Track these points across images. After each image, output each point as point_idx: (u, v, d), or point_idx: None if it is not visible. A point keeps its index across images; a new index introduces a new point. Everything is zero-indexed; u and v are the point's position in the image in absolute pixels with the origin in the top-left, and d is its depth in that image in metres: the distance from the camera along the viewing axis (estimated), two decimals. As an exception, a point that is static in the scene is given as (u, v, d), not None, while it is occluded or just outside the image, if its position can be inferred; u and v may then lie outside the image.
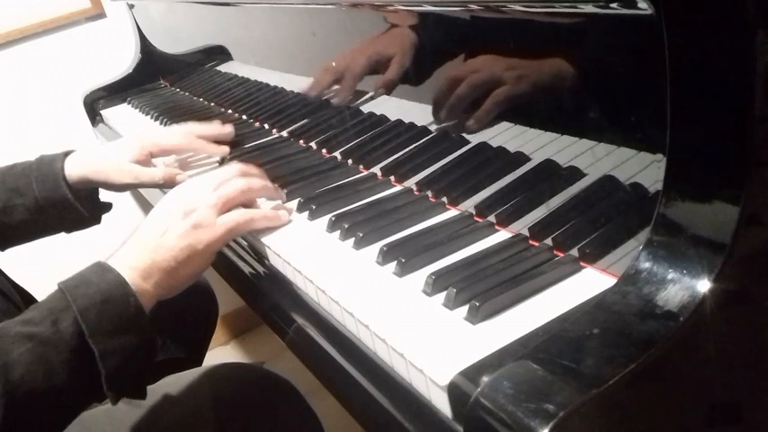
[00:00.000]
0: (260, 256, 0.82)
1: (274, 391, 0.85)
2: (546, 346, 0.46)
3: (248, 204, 0.79)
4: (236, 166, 0.82)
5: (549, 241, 0.62)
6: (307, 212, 0.82)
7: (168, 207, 0.74)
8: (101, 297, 0.63)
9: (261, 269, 0.81)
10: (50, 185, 0.94)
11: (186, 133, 1.05)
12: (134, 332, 0.64)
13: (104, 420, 0.81)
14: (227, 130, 1.08)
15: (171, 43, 1.63)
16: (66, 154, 0.98)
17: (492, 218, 0.69)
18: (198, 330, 1.18)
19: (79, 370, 0.61)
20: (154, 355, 0.68)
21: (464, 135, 0.72)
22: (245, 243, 0.87)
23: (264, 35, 1.11)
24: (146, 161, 1.00)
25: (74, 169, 0.96)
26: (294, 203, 0.85)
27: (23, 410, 0.59)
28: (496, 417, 0.43)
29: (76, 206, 0.95)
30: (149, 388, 0.83)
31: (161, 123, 1.39)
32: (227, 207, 0.74)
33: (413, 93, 0.79)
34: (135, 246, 0.70)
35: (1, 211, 0.93)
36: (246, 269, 0.85)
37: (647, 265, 0.47)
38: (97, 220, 1.02)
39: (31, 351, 0.59)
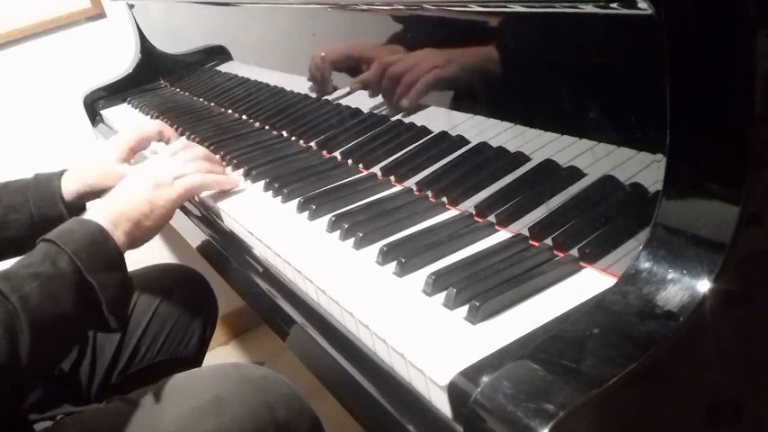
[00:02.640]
0: (260, 257, 0.82)
1: (274, 392, 0.85)
2: (546, 346, 0.46)
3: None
4: (191, 148, 0.97)
5: (549, 241, 0.62)
6: (307, 212, 0.82)
7: (133, 176, 0.87)
8: (86, 241, 0.73)
9: (261, 269, 0.81)
10: (47, 203, 0.97)
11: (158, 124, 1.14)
12: (119, 269, 0.76)
13: (104, 420, 0.81)
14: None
15: (171, 43, 1.63)
16: (62, 173, 1.01)
17: (492, 218, 0.69)
18: (198, 330, 1.18)
19: (82, 300, 0.71)
20: (132, 293, 0.80)
21: (464, 135, 0.73)
22: (245, 243, 0.87)
23: (264, 35, 1.11)
24: (138, 148, 1.08)
25: (69, 186, 1.00)
26: (294, 203, 0.85)
27: (43, 336, 0.67)
28: (496, 417, 0.43)
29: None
30: (150, 389, 0.84)
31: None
32: (184, 174, 0.89)
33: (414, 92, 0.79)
34: (104, 204, 0.82)
35: None
36: (246, 269, 0.85)
37: (647, 265, 0.47)
38: None
39: (41, 286, 0.68)
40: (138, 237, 0.82)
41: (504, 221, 0.67)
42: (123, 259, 0.77)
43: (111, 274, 0.74)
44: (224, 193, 0.95)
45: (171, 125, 1.35)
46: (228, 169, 1.03)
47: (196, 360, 1.19)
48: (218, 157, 1.03)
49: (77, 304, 0.70)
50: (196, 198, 1.02)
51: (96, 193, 1.00)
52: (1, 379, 0.65)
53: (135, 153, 1.08)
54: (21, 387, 0.71)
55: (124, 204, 0.81)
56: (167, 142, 1.14)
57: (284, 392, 0.85)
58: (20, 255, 0.89)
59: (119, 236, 0.77)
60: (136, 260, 1.26)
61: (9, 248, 0.97)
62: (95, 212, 0.79)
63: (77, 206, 1.00)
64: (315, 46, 0.96)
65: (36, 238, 0.83)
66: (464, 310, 0.56)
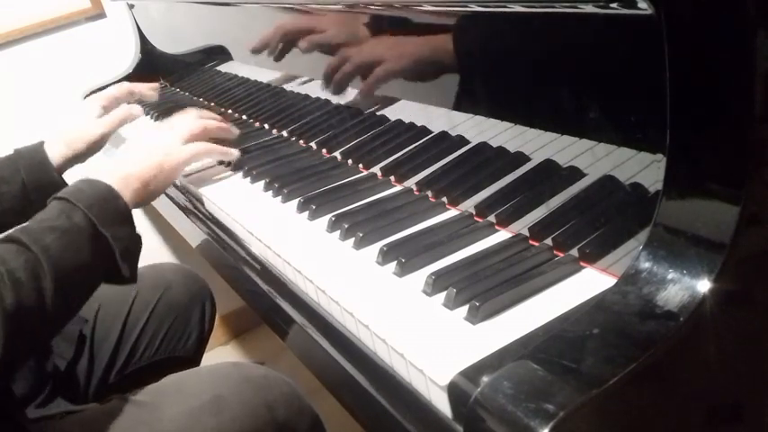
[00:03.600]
0: (260, 256, 0.82)
1: (274, 391, 0.85)
2: (546, 346, 0.46)
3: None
4: (195, 112, 1.01)
5: (549, 241, 0.62)
6: (307, 212, 0.82)
7: (139, 141, 0.92)
8: (97, 198, 0.78)
9: (260, 269, 0.81)
10: (36, 169, 0.99)
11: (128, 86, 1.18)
12: (129, 224, 0.80)
13: (103, 420, 0.81)
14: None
15: (171, 43, 1.63)
16: (42, 143, 1.04)
17: (492, 218, 0.69)
18: (196, 329, 1.18)
19: (97, 250, 0.76)
20: (140, 248, 0.83)
21: (464, 135, 0.73)
22: (245, 243, 0.87)
23: (264, 35, 1.11)
24: (111, 107, 1.12)
25: (54, 152, 1.02)
26: (294, 203, 0.85)
27: (65, 282, 0.71)
28: (496, 417, 0.43)
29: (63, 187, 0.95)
30: (149, 388, 0.84)
31: (162, 123, 1.39)
32: (190, 140, 0.93)
33: (413, 93, 0.79)
34: (113, 165, 0.86)
35: None
36: (247, 269, 0.85)
37: (647, 265, 0.47)
38: None
39: (59, 238, 0.72)
40: (143, 197, 0.86)
41: (504, 221, 0.67)
42: (131, 216, 0.82)
43: (122, 228, 0.78)
44: (224, 193, 0.95)
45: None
46: (228, 170, 1.04)
47: (194, 359, 1.19)
48: (227, 124, 1.05)
49: (93, 254, 0.75)
50: (197, 196, 1.02)
51: (81, 155, 1.05)
52: (28, 322, 0.68)
53: (108, 111, 1.11)
54: (44, 333, 0.75)
55: (133, 167, 0.85)
56: (140, 100, 1.22)
57: (284, 392, 0.85)
58: (17, 225, 0.90)
59: (127, 195, 0.82)
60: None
61: (6, 220, 0.97)
62: (104, 174, 0.83)
63: (66, 170, 1.04)
64: (315, 46, 0.96)
65: (30, 208, 0.86)
66: (464, 310, 0.56)
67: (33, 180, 0.98)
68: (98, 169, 0.84)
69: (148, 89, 1.22)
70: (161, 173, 0.87)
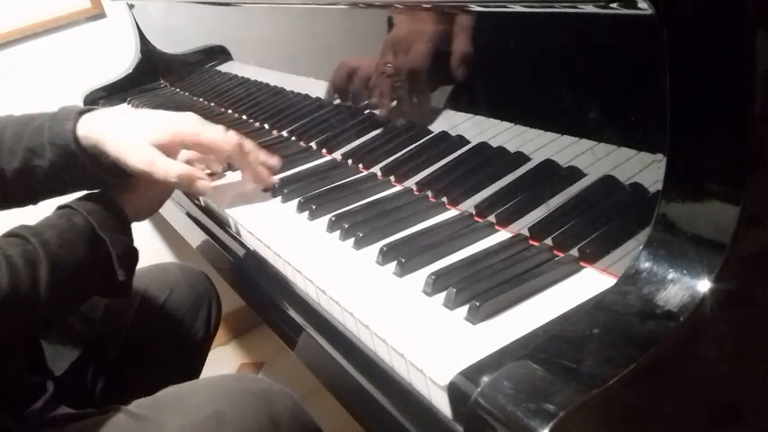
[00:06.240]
0: (260, 256, 0.82)
1: (278, 406, 0.83)
2: (546, 346, 0.46)
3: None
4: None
5: (549, 241, 0.62)
6: (307, 212, 0.82)
7: None
8: (99, 206, 0.80)
9: (261, 269, 0.81)
10: (62, 151, 0.83)
11: (234, 141, 0.86)
12: (127, 234, 0.82)
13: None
14: (275, 161, 0.93)
15: (171, 43, 1.63)
16: (82, 112, 0.84)
17: (492, 218, 0.69)
18: (203, 327, 1.18)
19: (94, 252, 0.77)
20: (137, 261, 0.84)
21: (464, 135, 0.73)
22: (245, 243, 0.87)
23: (264, 35, 1.11)
24: (171, 151, 0.84)
25: (88, 132, 0.82)
26: (294, 203, 0.85)
27: (60, 276, 0.73)
28: (496, 417, 0.43)
29: (94, 172, 0.84)
30: (149, 400, 0.83)
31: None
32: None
33: (413, 92, 0.79)
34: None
35: (24, 171, 0.85)
36: (247, 269, 0.85)
37: (647, 265, 0.47)
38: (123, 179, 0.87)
39: (58, 236, 0.75)
40: (143, 213, 0.88)
41: (504, 221, 0.67)
42: (130, 228, 0.84)
43: (119, 235, 0.80)
44: (224, 193, 0.95)
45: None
46: (228, 170, 1.04)
47: (199, 358, 1.19)
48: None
49: (90, 255, 0.77)
50: (197, 197, 1.02)
51: (112, 159, 0.82)
52: (20, 307, 0.70)
53: (171, 152, 0.85)
54: (34, 323, 0.76)
55: (136, 182, 0.86)
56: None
57: (288, 406, 0.84)
58: (61, 194, 0.89)
59: (128, 208, 0.84)
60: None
61: (46, 190, 0.88)
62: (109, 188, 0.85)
63: (92, 153, 0.83)
64: (315, 46, 0.96)
65: (64, 182, 0.86)
66: (464, 310, 0.56)
67: (58, 160, 0.83)
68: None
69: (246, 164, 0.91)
70: (153, 187, 0.87)
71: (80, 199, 0.82)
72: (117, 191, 0.85)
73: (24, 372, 0.91)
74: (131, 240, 0.83)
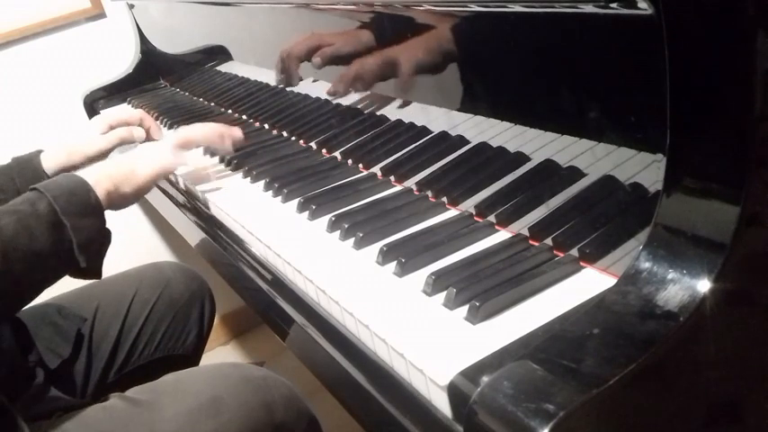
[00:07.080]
0: (260, 256, 0.82)
1: (273, 393, 0.84)
2: (546, 346, 0.46)
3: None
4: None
5: (549, 241, 0.62)
6: (307, 212, 0.82)
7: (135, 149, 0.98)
8: (68, 190, 0.80)
9: (261, 269, 0.81)
10: (30, 177, 0.99)
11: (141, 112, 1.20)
12: (96, 217, 0.82)
13: (103, 418, 0.81)
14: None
15: (171, 43, 1.63)
16: (39, 152, 1.05)
17: (492, 218, 0.69)
18: (195, 328, 1.18)
19: (55, 238, 0.77)
20: (108, 243, 0.85)
21: (464, 135, 0.72)
22: (245, 243, 0.87)
23: (264, 35, 1.11)
24: (117, 127, 1.14)
25: (51, 161, 1.04)
26: (294, 203, 0.85)
27: (14, 266, 0.73)
28: (496, 417, 0.43)
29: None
30: (147, 386, 0.84)
31: (162, 123, 1.39)
32: (182, 147, 0.97)
33: (413, 93, 0.79)
34: (94, 166, 0.90)
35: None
36: (246, 269, 0.85)
37: (647, 265, 0.47)
38: None
39: (16, 221, 0.75)
40: (116, 198, 0.88)
41: (504, 221, 0.67)
42: (102, 211, 0.83)
43: (85, 220, 0.80)
44: (224, 193, 0.95)
45: (171, 125, 1.35)
46: (228, 170, 1.04)
47: (194, 357, 1.19)
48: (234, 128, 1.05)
49: (50, 241, 0.76)
50: (197, 196, 1.02)
51: (77, 167, 1.03)
52: None
53: (113, 128, 1.14)
54: None
55: (108, 167, 0.89)
56: (142, 141, 1.19)
57: (283, 393, 0.85)
58: None
59: (100, 191, 0.84)
60: (135, 259, 1.27)
61: None
62: (84, 171, 0.86)
63: None
64: (315, 46, 0.96)
65: None
66: (464, 310, 0.56)
67: (26, 188, 0.98)
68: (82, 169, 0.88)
69: (157, 127, 1.23)
70: (133, 177, 0.89)
71: (52, 180, 0.82)
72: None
73: (15, 356, 0.91)
74: (103, 222, 0.83)
